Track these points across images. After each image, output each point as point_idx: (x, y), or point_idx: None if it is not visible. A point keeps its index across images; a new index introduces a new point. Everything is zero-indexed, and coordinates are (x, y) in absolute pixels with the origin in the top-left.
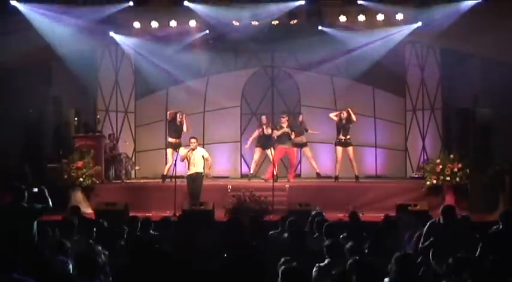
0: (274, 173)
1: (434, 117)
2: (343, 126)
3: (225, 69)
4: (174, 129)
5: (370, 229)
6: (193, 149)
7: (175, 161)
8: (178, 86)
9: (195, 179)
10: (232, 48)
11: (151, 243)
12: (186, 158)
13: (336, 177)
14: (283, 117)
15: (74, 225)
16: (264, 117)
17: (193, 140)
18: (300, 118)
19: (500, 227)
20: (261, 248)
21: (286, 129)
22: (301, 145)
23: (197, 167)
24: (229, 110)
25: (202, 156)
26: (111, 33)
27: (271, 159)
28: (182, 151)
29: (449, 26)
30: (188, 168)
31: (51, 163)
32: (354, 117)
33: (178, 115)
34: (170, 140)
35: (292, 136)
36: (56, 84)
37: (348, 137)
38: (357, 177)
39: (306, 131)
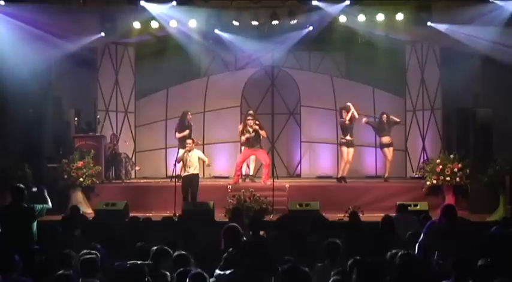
0: (244, 173)
1: (434, 117)
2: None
3: (225, 69)
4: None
5: (370, 229)
6: (189, 151)
7: (175, 161)
8: (178, 86)
9: (191, 181)
10: (233, 48)
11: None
12: (182, 160)
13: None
14: (251, 120)
15: (74, 225)
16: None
17: (189, 141)
18: (384, 117)
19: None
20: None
21: (252, 134)
22: (386, 145)
23: (193, 169)
24: (229, 110)
25: (199, 157)
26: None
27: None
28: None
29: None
30: (184, 170)
31: (51, 163)
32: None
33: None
34: None
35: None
36: (56, 84)
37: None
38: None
39: (396, 123)
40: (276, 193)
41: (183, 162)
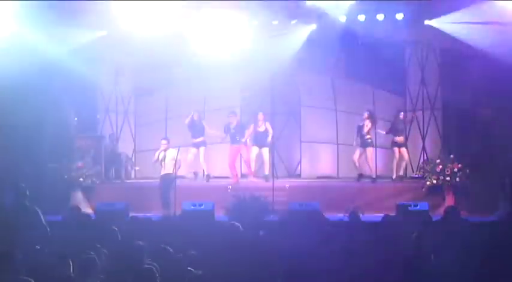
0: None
1: (434, 117)
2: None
3: (224, 69)
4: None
5: (370, 229)
6: (164, 150)
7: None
8: (178, 86)
9: (169, 180)
10: (232, 48)
11: None
12: (157, 160)
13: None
14: (232, 117)
15: (74, 225)
16: (260, 114)
17: (163, 141)
18: (401, 116)
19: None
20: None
21: (233, 131)
22: (399, 145)
23: (167, 169)
24: (230, 110)
25: (173, 157)
26: None
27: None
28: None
29: None
30: (161, 170)
31: (51, 163)
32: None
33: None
34: None
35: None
36: (56, 85)
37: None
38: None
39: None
40: (276, 193)
41: (159, 162)
